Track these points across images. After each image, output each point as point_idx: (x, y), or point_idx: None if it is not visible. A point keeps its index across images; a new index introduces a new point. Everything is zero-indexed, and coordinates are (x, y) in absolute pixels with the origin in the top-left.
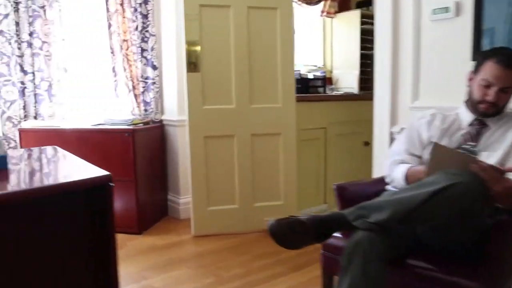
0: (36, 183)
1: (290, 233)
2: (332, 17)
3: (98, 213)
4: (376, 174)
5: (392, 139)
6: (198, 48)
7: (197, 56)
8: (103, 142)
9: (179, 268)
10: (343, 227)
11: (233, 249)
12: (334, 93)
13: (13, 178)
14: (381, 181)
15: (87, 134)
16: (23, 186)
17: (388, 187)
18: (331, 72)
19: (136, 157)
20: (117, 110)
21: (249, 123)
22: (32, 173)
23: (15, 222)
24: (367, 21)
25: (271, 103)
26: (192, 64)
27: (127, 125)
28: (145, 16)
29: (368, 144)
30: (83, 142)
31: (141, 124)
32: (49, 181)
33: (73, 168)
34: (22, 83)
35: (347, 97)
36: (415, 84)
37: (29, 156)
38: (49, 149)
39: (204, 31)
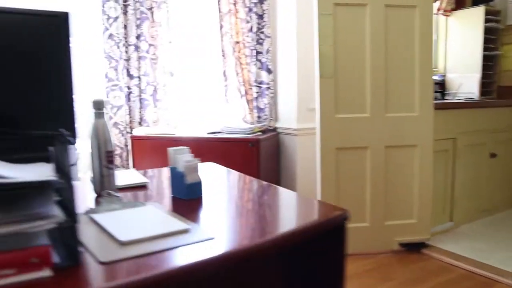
0: (271, 229)
1: None
2: (447, 15)
3: (326, 256)
4: None
5: None
6: (331, 51)
7: (330, 61)
8: (223, 153)
9: None
10: None
11: (371, 273)
12: (456, 99)
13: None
14: None
15: (205, 143)
16: (262, 233)
17: None
18: (444, 75)
19: (260, 169)
20: (227, 116)
21: (383, 133)
22: (246, 209)
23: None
24: (491, 18)
25: (407, 112)
26: (325, 69)
27: (247, 134)
28: (260, 17)
29: (495, 156)
30: (201, 152)
31: (259, 133)
32: (285, 223)
33: (287, 200)
34: (128, 87)
35: (480, 104)
36: None
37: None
38: (217, 168)
39: (338, 32)
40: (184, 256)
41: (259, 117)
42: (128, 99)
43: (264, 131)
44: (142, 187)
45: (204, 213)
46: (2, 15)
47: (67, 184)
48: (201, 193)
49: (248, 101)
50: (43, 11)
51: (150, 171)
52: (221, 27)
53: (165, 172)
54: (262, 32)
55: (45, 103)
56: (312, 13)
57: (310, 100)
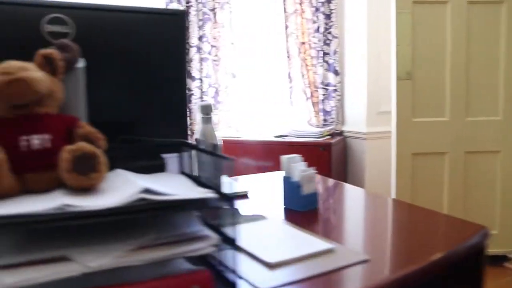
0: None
1: None
2: None
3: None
4: None
5: None
6: (409, 51)
7: (408, 62)
8: None
9: None
10: None
11: None
12: None
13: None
14: None
15: (273, 147)
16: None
17: None
18: None
19: (332, 175)
20: (291, 119)
21: (463, 138)
22: (378, 226)
23: None
24: None
25: (489, 116)
26: (403, 71)
27: (317, 137)
28: (327, 16)
29: None
30: (268, 157)
31: (328, 136)
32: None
33: (418, 216)
34: (189, 89)
35: None
36: None
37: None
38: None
39: (416, 31)
40: (344, 281)
41: (325, 120)
42: (189, 101)
43: (331, 135)
44: (242, 196)
45: (332, 227)
46: (117, 13)
47: (229, 202)
48: (317, 205)
49: (313, 104)
50: (161, 9)
51: (236, 178)
52: (286, 27)
53: (256, 178)
54: (329, 33)
55: (159, 107)
56: (384, 12)
57: (381, 103)
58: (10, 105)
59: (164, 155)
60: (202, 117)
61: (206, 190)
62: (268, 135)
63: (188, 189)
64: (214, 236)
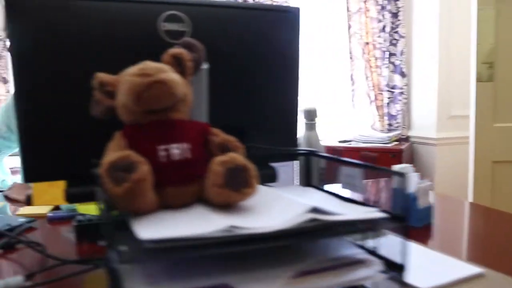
0: None
1: None
2: None
3: None
4: None
5: None
6: (491, 51)
7: (489, 63)
8: None
9: None
10: None
11: None
12: None
13: None
14: None
15: (338, 153)
16: None
17: None
18: None
19: None
20: (353, 123)
21: None
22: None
23: None
24: None
25: None
26: (483, 72)
27: (386, 143)
28: (394, 15)
29: None
30: (332, 163)
31: (396, 142)
32: None
33: None
34: None
35: None
36: None
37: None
38: None
39: (500, 29)
40: None
41: (389, 124)
42: None
43: (398, 140)
44: None
45: (461, 246)
46: (231, 10)
47: (402, 223)
48: (432, 219)
49: (377, 107)
50: (276, 6)
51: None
52: (349, 27)
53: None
54: (396, 32)
55: (271, 111)
56: (458, 8)
57: (453, 107)
58: (146, 110)
59: (275, 164)
60: (306, 123)
61: (371, 209)
62: (332, 140)
63: (346, 207)
64: (377, 261)
